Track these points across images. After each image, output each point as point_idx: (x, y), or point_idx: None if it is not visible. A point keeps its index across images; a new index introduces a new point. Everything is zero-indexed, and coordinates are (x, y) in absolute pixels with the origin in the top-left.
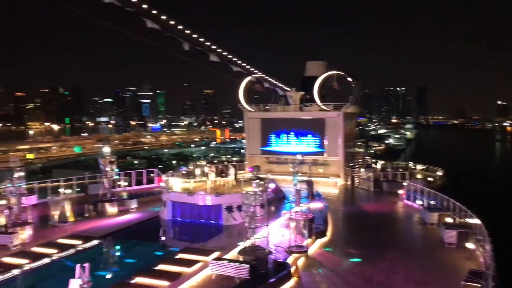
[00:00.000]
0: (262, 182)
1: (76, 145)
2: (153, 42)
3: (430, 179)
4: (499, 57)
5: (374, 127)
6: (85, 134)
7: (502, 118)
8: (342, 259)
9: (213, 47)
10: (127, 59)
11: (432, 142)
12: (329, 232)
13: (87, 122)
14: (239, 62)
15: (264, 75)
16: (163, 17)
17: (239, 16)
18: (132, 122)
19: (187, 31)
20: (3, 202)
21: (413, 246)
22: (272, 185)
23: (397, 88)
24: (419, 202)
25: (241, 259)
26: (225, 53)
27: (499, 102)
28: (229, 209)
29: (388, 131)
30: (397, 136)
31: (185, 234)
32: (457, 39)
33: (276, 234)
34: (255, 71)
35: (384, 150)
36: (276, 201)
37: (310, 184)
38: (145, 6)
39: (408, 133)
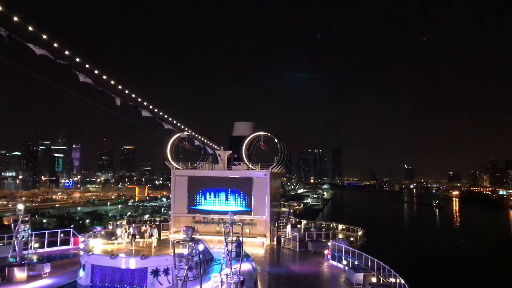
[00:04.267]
0: (193, 244)
1: None
2: (82, 96)
3: (351, 238)
4: (407, 123)
5: (293, 187)
6: None
7: (408, 181)
8: None
9: (145, 103)
10: (41, 111)
11: (347, 203)
12: None
13: None
14: (171, 119)
15: (194, 133)
16: (96, 72)
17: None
18: (43, 178)
19: (120, 86)
20: None
21: None
22: (201, 246)
23: (315, 150)
24: (344, 262)
25: None
26: (156, 110)
27: (406, 166)
28: (155, 272)
29: (306, 191)
30: (315, 195)
31: None
32: (367, 103)
33: None
34: (186, 129)
35: (303, 210)
36: (204, 263)
37: (240, 244)
38: (78, 59)
39: (325, 193)
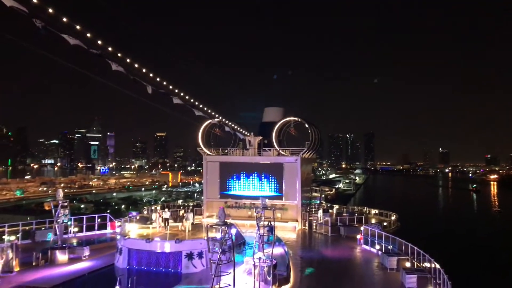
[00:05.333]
0: (226, 228)
1: (17, 188)
2: (115, 85)
3: (384, 223)
4: (442, 106)
5: (324, 172)
6: (28, 177)
7: (443, 165)
8: None
9: (176, 90)
10: (77, 99)
11: (380, 187)
12: (292, 279)
13: (31, 164)
14: (202, 106)
15: (224, 119)
16: (128, 60)
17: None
18: (80, 165)
19: (151, 74)
20: None
21: None
22: (234, 231)
23: (346, 135)
24: (377, 246)
25: None
26: (187, 97)
27: (441, 150)
28: (190, 256)
29: (338, 176)
30: (347, 180)
31: (143, 283)
32: (401, 86)
33: (239, 282)
34: (216, 116)
35: (334, 195)
36: (236, 247)
37: (272, 229)
38: (110, 48)
39: (357, 178)
